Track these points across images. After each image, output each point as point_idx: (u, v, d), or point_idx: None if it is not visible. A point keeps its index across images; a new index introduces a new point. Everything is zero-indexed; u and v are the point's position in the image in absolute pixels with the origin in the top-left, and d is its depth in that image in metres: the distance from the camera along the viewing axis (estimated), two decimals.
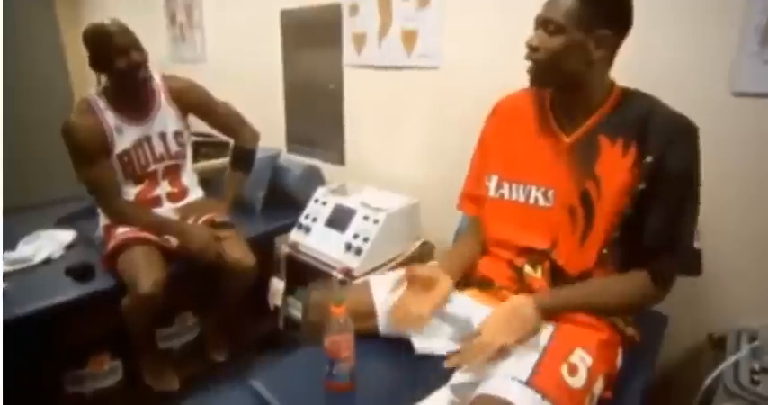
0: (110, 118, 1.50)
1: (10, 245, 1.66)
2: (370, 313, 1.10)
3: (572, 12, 0.86)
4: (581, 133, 0.95)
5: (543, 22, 0.90)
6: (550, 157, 0.98)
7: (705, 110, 1.06)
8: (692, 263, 0.90)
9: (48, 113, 3.50)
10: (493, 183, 1.07)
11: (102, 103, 1.50)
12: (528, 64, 0.94)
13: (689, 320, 1.21)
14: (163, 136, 1.60)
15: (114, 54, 1.40)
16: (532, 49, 0.92)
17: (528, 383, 0.79)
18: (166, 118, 1.60)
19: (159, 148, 1.61)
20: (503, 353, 0.86)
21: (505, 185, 1.04)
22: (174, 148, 1.64)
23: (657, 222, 0.88)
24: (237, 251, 1.57)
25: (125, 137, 1.52)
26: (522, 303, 0.92)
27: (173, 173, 1.67)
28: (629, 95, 0.94)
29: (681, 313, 1.19)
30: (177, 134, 1.64)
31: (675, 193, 0.88)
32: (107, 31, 1.39)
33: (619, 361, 0.96)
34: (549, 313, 0.92)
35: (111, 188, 1.53)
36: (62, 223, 1.91)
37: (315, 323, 1.12)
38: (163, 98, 1.60)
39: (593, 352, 0.87)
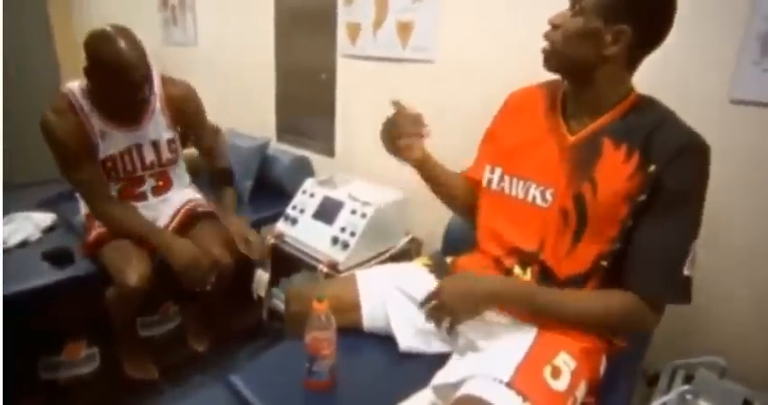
0: (95, 121, 1.39)
1: None
2: (355, 306, 1.09)
3: None
4: (585, 133, 0.91)
5: (572, 1, 0.86)
6: (552, 156, 0.94)
7: (702, 116, 1.05)
8: (678, 290, 0.83)
9: (36, 94, 3.43)
10: (496, 175, 1.04)
11: (86, 106, 1.37)
12: (545, 44, 0.89)
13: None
14: (156, 144, 1.52)
15: (120, 84, 1.29)
16: (553, 26, 0.87)
17: (509, 385, 0.78)
18: (159, 126, 1.51)
19: (150, 156, 1.52)
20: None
21: (506, 179, 1.02)
22: (166, 155, 1.56)
23: (646, 240, 0.84)
24: (216, 249, 1.52)
25: (111, 142, 1.42)
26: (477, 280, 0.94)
27: (162, 174, 1.60)
28: (644, 103, 0.89)
29: None
30: (170, 141, 1.56)
31: (670, 211, 0.82)
32: (119, 57, 1.25)
33: (603, 368, 0.94)
34: (501, 299, 0.92)
35: (97, 190, 1.44)
36: (43, 205, 1.86)
37: (297, 313, 1.11)
38: (158, 105, 1.50)
39: (577, 357, 0.86)
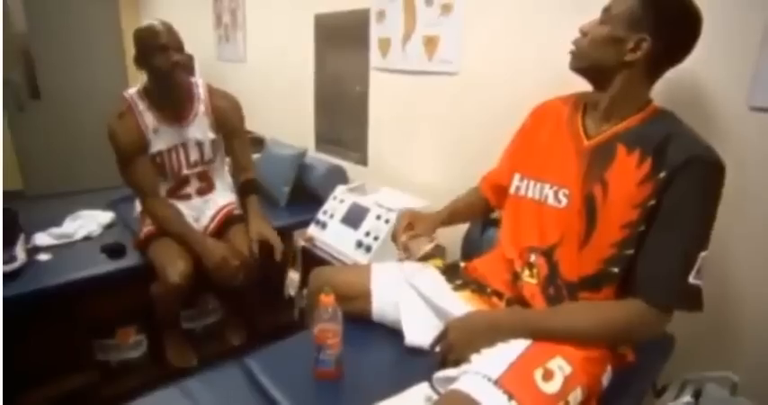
0: (148, 118, 1.57)
1: (58, 222, 1.84)
2: (366, 295, 1.16)
3: (628, 8, 0.88)
4: (602, 138, 0.95)
5: (603, 11, 0.93)
6: (568, 158, 0.98)
7: (721, 124, 1.02)
8: (683, 297, 0.83)
9: (107, 107, 3.81)
10: (522, 183, 1.08)
11: (141, 104, 1.57)
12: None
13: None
14: (200, 144, 1.67)
15: (155, 51, 1.47)
16: (582, 34, 0.96)
17: (497, 383, 0.80)
18: (202, 126, 1.67)
19: (194, 155, 1.68)
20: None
21: (524, 181, 1.07)
22: (208, 155, 1.71)
23: (651, 246, 0.86)
24: (245, 249, 1.64)
25: (161, 138, 1.59)
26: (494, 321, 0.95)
27: (205, 174, 1.76)
28: (661, 114, 0.93)
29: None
30: (213, 142, 1.71)
31: (676, 219, 0.84)
32: (153, 29, 1.48)
33: (606, 379, 0.93)
34: (500, 327, 0.93)
35: (147, 187, 1.61)
36: (110, 206, 2.09)
37: (317, 289, 1.18)
38: (202, 107, 1.66)
39: (575, 363, 0.86)
